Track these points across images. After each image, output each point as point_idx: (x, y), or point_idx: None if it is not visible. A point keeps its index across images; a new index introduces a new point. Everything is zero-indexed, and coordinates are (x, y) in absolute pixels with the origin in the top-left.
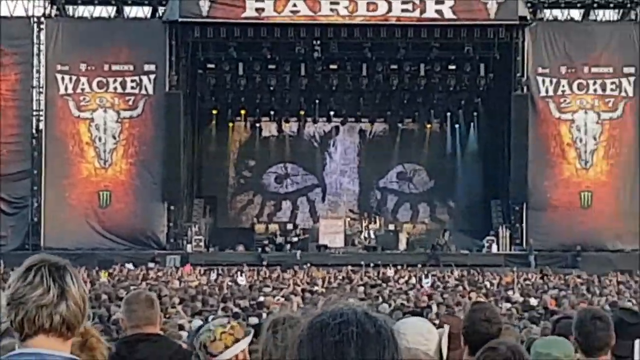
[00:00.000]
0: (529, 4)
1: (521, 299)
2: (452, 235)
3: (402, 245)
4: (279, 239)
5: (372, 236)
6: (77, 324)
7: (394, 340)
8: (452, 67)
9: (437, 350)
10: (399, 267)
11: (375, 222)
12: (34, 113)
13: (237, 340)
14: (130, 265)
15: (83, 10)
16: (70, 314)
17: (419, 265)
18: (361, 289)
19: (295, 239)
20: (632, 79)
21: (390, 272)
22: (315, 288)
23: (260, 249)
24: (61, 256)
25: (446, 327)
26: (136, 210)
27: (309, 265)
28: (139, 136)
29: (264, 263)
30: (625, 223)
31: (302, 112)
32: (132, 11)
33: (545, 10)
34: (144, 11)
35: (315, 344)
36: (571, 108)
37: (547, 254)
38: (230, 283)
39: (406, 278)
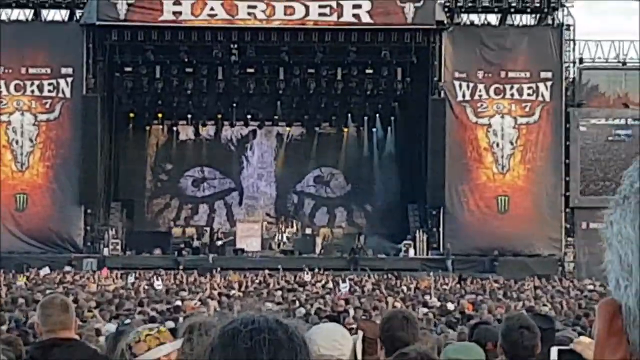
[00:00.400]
0: (446, 9)
1: (438, 304)
2: (367, 238)
3: (318, 249)
4: (196, 242)
5: (289, 240)
6: None
7: (306, 347)
8: (370, 71)
9: (352, 356)
10: (316, 271)
11: (292, 226)
12: None
13: (161, 344)
14: (46, 269)
15: (0, 13)
16: None
17: (332, 270)
18: (278, 293)
19: (220, 243)
20: (548, 83)
21: (307, 276)
22: (232, 292)
23: (176, 253)
24: None
25: (360, 333)
26: (53, 214)
27: (219, 269)
28: (56, 139)
29: (180, 267)
30: (542, 228)
31: (219, 116)
32: (49, 14)
33: (462, 15)
34: (61, 14)
35: (226, 351)
36: (488, 113)
37: (464, 258)
38: (147, 287)
39: (323, 282)
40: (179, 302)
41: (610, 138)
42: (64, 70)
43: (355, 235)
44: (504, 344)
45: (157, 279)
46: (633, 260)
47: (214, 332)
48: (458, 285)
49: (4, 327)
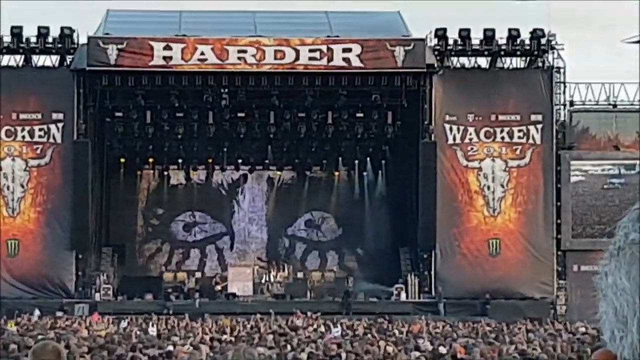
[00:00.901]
0: (436, 52)
1: (430, 347)
2: (358, 282)
3: (310, 293)
4: (187, 287)
5: (281, 284)
6: None
7: None
8: (360, 114)
9: None
10: (308, 315)
11: (283, 270)
12: None
13: None
14: (37, 312)
15: None
16: None
17: (324, 314)
18: (270, 337)
19: (219, 287)
20: (539, 126)
21: (299, 321)
22: (224, 337)
23: (166, 298)
24: None
25: None
26: (44, 259)
27: (207, 315)
28: (47, 185)
29: (170, 312)
30: (533, 271)
31: (210, 160)
32: (40, 60)
33: (452, 58)
34: (52, 60)
35: None
36: (478, 156)
37: (456, 301)
38: (138, 332)
39: (315, 327)
40: (170, 347)
41: (605, 186)
42: (54, 116)
43: (345, 279)
44: None
45: (150, 325)
46: (628, 312)
47: None
48: (450, 329)
49: None
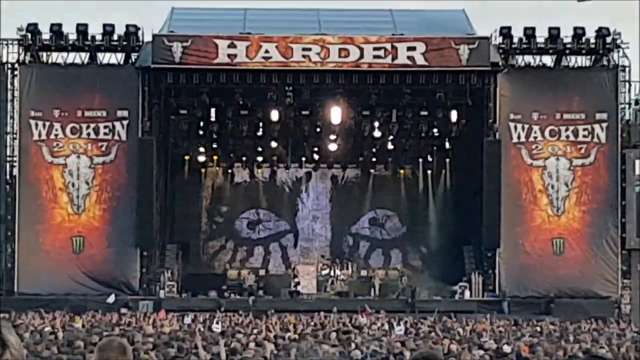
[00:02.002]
0: (500, 50)
1: (494, 346)
2: (419, 279)
3: (375, 292)
4: (249, 284)
5: (344, 282)
6: None
7: None
8: (424, 113)
9: None
10: (372, 313)
11: (347, 268)
12: (8, 159)
13: None
14: (112, 299)
15: (56, 57)
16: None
17: (388, 312)
18: (334, 335)
19: (294, 288)
20: (604, 125)
21: (363, 318)
22: (288, 334)
23: (227, 295)
24: (34, 301)
25: None
26: (109, 256)
27: (271, 312)
28: (112, 182)
29: (234, 309)
30: (598, 270)
31: (274, 158)
32: (105, 57)
33: (517, 57)
34: (117, 57)
35: None
36: (543, 154)
37: (520, 300)
38: (202, 329)
39: (379, 325)
40: (235, 344)
41: None
42: (119, 113)
43: (409, 277)
44: None
45: (215, 322)
46: None
47: None
48: (514, 328)
49: None
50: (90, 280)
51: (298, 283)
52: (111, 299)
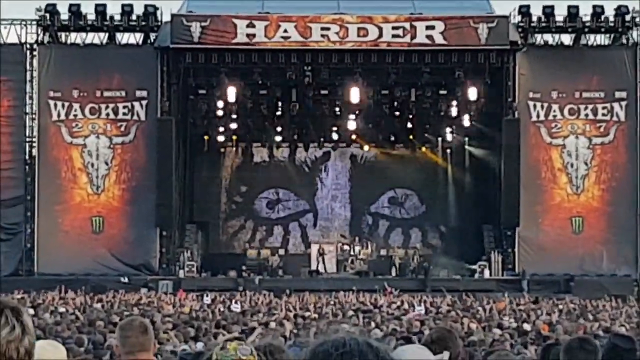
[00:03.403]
0: (519, 29)
1: (514, 325)
2: (437, 258)
3: (394, 271)
4: (270, 264)
5: (364, 261)
6: (33, 354)
7: None
8: (443, 92)
9: None
10: (389, 290)
11: (367, 247)
12: (27, 139)
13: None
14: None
15: (75, 37)
16: (31, 346)
17: (406, 292)
18: (353, 314)
19: (315, 268)
20: (623, 103)
21: (383, 298)
22: (307, 314)
23: (251, 275)
24: (54, 282)
25: (446, 354)
26: (129, 236)
27: (291, 291)
28: (131, 162)
29: (253, 288)
30: (617, 248)
31: (293, 137)
32: (123, 37)
33: (536, 35)
34: (135, 37)
35: None
36: (562, 133)
37: (539, 279)
38: (222, 309)
39: (398, 304)
40: (254, 324)
41: None
42: (138, 93)
43: (426, 256)
44: None
45: (234, 302)
46: None
47: (305, 353)
48: (533, 306)
49: (82, 349)
50: (110, 260)
51: (323, 261)
52: (124, 279)
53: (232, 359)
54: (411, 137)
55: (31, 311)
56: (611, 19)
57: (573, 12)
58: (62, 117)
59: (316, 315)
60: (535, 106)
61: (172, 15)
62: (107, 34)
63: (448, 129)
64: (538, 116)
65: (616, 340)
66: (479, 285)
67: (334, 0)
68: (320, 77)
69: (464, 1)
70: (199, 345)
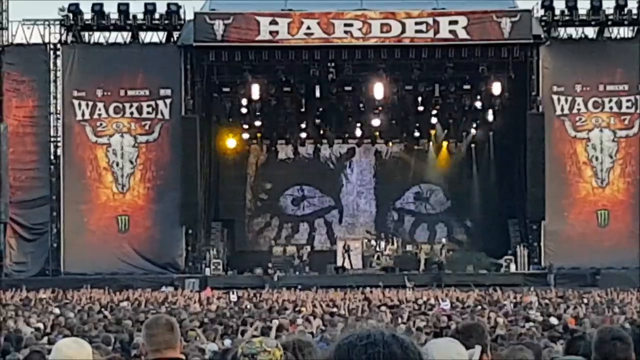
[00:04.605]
0: (542, 23)
1: (541, 319)
2: (450, 252)
3: (421, 266)
4: (296, 261)
5: (390, 257)
6: None
7: None
8: (467, 87)
9: None
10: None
11: (392, 243)
12: (52, 139)
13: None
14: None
15: (98, 37)
16: None
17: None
18: (380, 309)
19: (341, 264)
20: None
21: (409, 293)
22: (334, 310)
23: (278, 272)
24: (81, 281)
25: (477, 348)
26: (155, 235)
27: (318, 288)
28: (156, 160)
29: (280, 285)
30: None
31: (318, 134)
32: (147, 36)
33: (559, 29)
34: (158, 36)
35: None
36: (587, 126)
37: (566, 272)
38: (249, 306)
39: (425, 299)
40: (283, 321)
41: None
42: (162, 92)
43: (440, 250)
44: (597, 356)
45: (259, 298)
46: None
47: (331, 347)
48: (560, 299)
49: (110, 347)
50: (136, 259)
51: (349, 257)
52: (165, 289)
53: (257, 350)
54: (435, 132)
55: (57, 310)
56: (634, 11)
57: (596, 5)
58: (87, 116)
59: (343, 312)
60: (559, 100)
61: (195, 14)
62: (130, 33)
63: (472, 124)
64: (562, 110)
65: (638, 332)
66: (505, 279)
67: None
68: (343, 73)
69: None
70: (227, 343)
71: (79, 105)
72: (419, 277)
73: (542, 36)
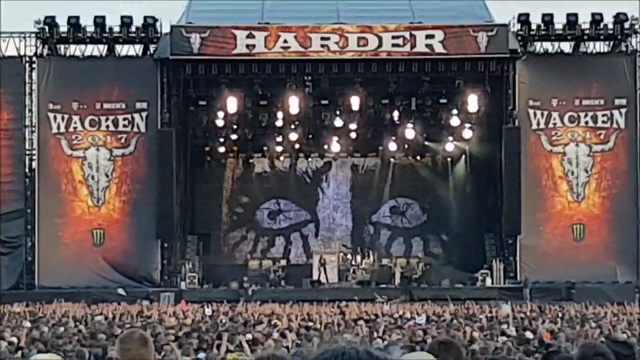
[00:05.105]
0: (519, 37)
1: (516, 333)
2: (426, 266)
3: (397, 280)
4: (272, 275)
5: (366, 271)
6: None
7: None
8: (444, 100)
9: None
10: (390, 302)
11: (368, 257)
12: (27, 152)
13: None
14: (121, 291)
15: (74, 49)
16: None
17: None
18: (355, 324)
19: (317, 278)
20: (623, 110)
21: (385, 307)
22: (310, 324)
23: (253, 285)
24: (55, 295)
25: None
26: (130, 248)
27: (293, 302)
28: (132, 174)
29: (256, 299)
30: (618, 255)
31: (294, 148)
32: (123, 49)
33: (535, 43)
34: (135, 49)
35: None
36: (562, 141)
37: (541, 286)
38: (224, 320)
39: (400, 313)
40: (257, 335)
41: None
42: (138, 105)
43: (416, 264)
44: None
45: (237, 312)
46: None
47: None
48: (535, 313)
49: None
50: (111, 272)
51: (325, 271)
52: (121, 291)
53: None
54: (412, 146)
55: (27, 324)
56: (610, 26)
57: (572, 20)
58: (62, 129)
59: (318, 326)
60: (535, 114)
61: (172, 27)
62: (106, 46)
63: (449, 138)
64: (538, 124)
65: (616, 347)
66: (481, 293)
67: (333, 10)
68: (320, 87)
69: (460, 1)
70: (201, 356)
71: (55, 118)
72: (393, 291)
73: (519, 50)
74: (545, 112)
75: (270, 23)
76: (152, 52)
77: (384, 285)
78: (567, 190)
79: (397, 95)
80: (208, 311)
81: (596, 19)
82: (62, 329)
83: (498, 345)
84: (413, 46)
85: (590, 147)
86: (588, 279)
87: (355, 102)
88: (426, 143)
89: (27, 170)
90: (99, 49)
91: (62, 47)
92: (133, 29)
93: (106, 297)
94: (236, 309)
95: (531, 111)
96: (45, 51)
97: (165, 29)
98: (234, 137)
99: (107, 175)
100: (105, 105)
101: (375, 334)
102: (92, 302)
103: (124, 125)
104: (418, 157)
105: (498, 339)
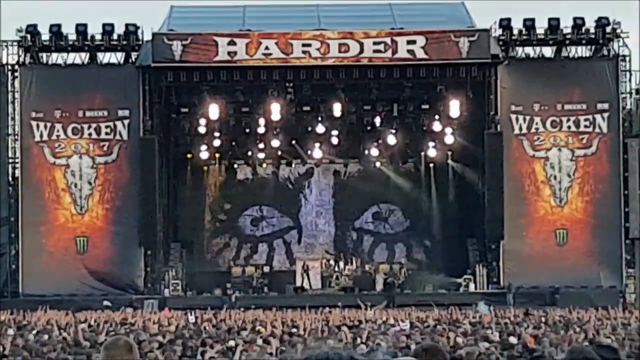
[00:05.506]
0: (500, 42)
1: (499, 338)
2: (409, 272)
3: (379, 286)
4: (255, 282)
5: (349, 277)
6: None
7: None
8: (425, 106)
9: None
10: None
11: (351, 263)
12: (10, 160)
13: None
14: (107, 303)
15: (56, 57)
16: None
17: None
18: (339, 330)
19: (300, 284)
20: (605, 115)
21: (369, 313)
22: (294, 330)
23: (236, 292)
24: (39, 302)
25: None
26: (113, 256)
27: (276, 309)
28: (115, 181)
29: (239, 306)
30: (602, 260)
31: (276, 154)
32: (105, 57)
33: (517, 48)
34: (117, 57)
35: None
36: (545, 145)
37: (524, 291)
38: (208, 327)
39: (384, 319)
40: (240, 342)
41: None
42: (120, 113)
43: (399, 270)
44: None
45: (218, 319)
46: None
47: None
48: (519, 319)
49: None
50: (95, 280)
51: (308, 277)
52: (106, 303)
53: None
54: (394, 151)
55: (12, 332)
56: (592, 30)
57: (554, 25)
58: (45, 137)
59: (302, 332)
60: (517, 119)
61: (153, 34)
62: (88, 54)
63: (431, 144)
64: (520, 129)
65: (600, 351)
66: (464, 299)
67: (314, 17)
68: (302, 93)
69: (442, 5)
70: None
71: (37, 126)
72: (376, 297)
73: (500, 55)
74: (528, 117)
75: (252, 30)
76: (134, 59)
77: (365, 292)
78: (550, 195)
79: (379, 101)
80: (192, 318)
81: (578, 23)
82: (46, 336)
83: (482, 351)
84: (395, 52)
85: (572, 151)
86: (572, 283)
87: (337, 108)
88: (408, 149)
89: (10, 178)
90: (81, 57)
91: (44, 55)
92: (115, 36)
93: (90, 304)
94: (219, 316)
95: (513, 116)
96: (28, 59)
97: (147, 37)
98: (216, 144)
99: (90, 183)
100: (88, 113)
101: (359, 340)
102: (76, 309)
103: (107, 133)
104: (400, 163)
105: (482, 345)
